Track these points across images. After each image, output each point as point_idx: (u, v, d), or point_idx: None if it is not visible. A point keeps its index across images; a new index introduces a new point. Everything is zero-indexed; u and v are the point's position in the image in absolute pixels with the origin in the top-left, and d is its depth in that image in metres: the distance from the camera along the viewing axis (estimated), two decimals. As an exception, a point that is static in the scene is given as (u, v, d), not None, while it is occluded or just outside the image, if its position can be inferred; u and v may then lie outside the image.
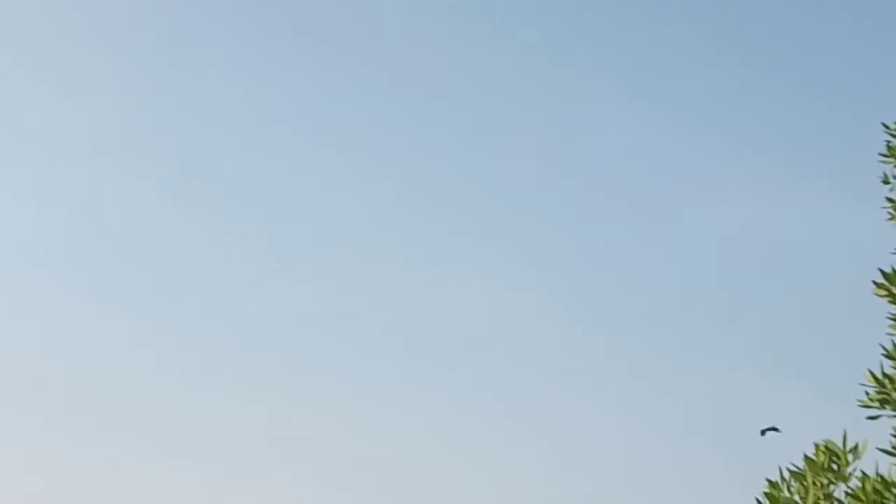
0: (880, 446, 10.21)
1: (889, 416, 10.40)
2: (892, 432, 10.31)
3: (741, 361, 29.99)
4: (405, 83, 35.64)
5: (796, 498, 10.17)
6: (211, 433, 31.08)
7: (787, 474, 10.32)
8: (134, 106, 36.21)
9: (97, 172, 36.25)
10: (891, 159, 11.82)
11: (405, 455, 30.23)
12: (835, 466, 10.16)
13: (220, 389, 32.04)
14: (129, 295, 34.25)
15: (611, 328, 33.22)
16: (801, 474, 10.19)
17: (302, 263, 35.20)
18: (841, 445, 10.18)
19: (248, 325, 33.90)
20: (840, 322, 27.53)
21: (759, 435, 13.08)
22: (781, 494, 10.18)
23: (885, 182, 11.77)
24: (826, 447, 10.18)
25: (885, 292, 10.70)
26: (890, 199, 11.61)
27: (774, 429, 12.93)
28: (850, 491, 10.03)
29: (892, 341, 10.55)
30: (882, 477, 9.88)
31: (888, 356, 10.48)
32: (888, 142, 11.89)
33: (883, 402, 10.35)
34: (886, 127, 11.88)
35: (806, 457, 10.25)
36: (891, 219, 11.54)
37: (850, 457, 10.14)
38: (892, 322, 10.67)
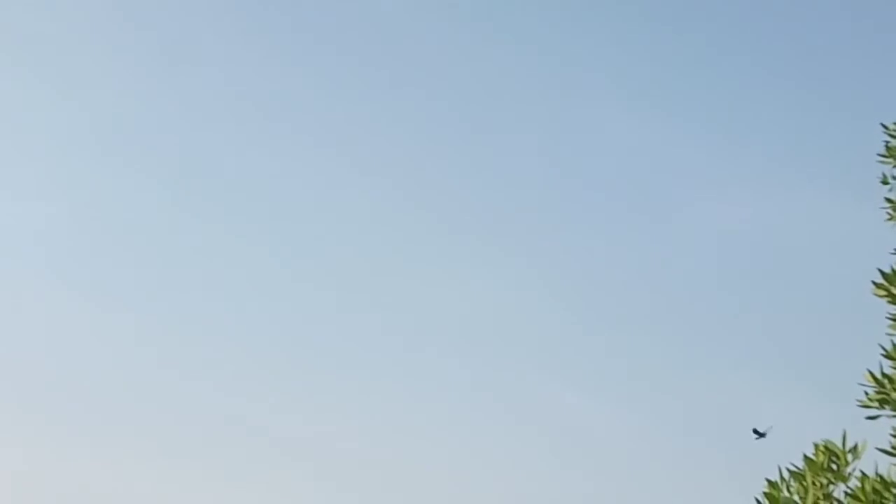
0: (879, 446, 10.21)
1: (888, 416, 10.40)
2: (892, 432, 10.31)
3: (741, 361, 30.04)
4: (405, 83, 35.69)
5: (796, 498, 10.17)
6: (211, 433, 31.13)
7: (786, 474, 10.32)
8: (134, 106, 36.28)
9: (97, 172, 36.32)
10: (889, 160, 11.83)
11: (405, 455, 30.27)
12: (834, 466, 10.15)
13: (220, 389, 32.08)
14: (129, 295, 34.31)
15: (611, 328, 33.28)
16: (801, 474, 10.19)
17: (302, 263, 35.25)
18: (840, 445, 10.18)
19: (248, 325, 33.95)
20: (839, 322, 27.57)
21: (754, 437, 13.10)
22: (781, 494, 10.18)
23: (884, 182, 11.78)
24: (826, 447, 10.18)
25: (884, 292, 10.70)
26: (889, 200, 11.61)
27: (760, 433, 12.95)
28: (849, 491, 10.03)
29: (892, 341, 10.56)
30: (881, 477, 9.88)
31: (887, 356, 10.48)
32: (887, 142, 11.89)
33: (882, 403, 10.34)
34: (885, 128, 11.88)
35: (805, 457, 10.25)
36: (890, 219, 11.54)
37: (849, 457, 10.14)
38: (891, 322, 10.67)
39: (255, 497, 29.25)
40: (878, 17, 31.97)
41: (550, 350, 32.56)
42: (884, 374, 10.41)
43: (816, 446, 10.24)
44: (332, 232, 35.45)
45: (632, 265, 34.00)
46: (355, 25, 35.48)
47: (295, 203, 36.17)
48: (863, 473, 9.98)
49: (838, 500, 10.08)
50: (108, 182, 35.98)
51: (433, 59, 36.03)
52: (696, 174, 34.57)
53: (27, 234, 35.03)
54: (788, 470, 10.28)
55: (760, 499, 10.28)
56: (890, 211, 11.59)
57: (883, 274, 10.75)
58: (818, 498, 10.02)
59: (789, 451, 10.59)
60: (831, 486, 10.13)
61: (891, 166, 11.83)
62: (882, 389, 10.33)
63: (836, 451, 10.13)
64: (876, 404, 10.38)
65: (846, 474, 10.09)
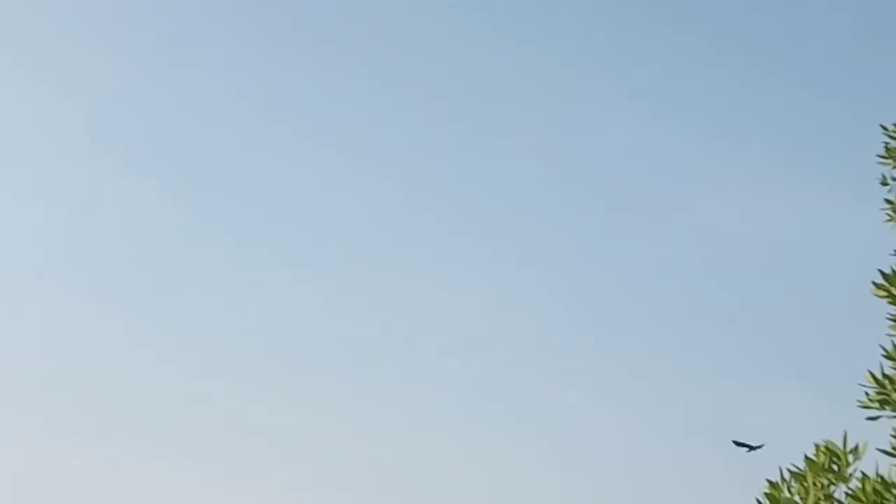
0: (880, 447, 10.24)
1: (889, 417, 10.43)
2: (892, 433, 10.33)
3: (741, 361, 30.03)
4: (405, 83, 35.68)
5: (796, 498, 10.19)
6: (211, 433, 31.13)
7: (787, 475, 10.34)
8: (134, 106, 36.27)
9: (97, 172, 36.30)
10: (889, 161, 11.85)
11: (405, 455, 30.27)
12: (835, 467, 10.18)
13: (220, 389, 32.08)
14: (129, 295, 34.30)
15: (611, 328, 33.27)
16: (802, 475, 10.21)
17: (302, 263, 35.24)
18: (841, 446, 10.21)
19: (247, 325, 33.94)
20: (839, 322, 27.58)
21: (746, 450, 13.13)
22: (782, 495, 10.20)
23: (884, 183, 11.80)
24: (826, 448, 10.20)
25: (884, 293, 10.72)
26: (889, 201, 11.64)
27: (746, 445, 12.97)
28: (850, 491, 10.05)
29: (892, 342, 10.58)
30: (882, 477, 9.90)
31: (888, 357, 10.51)
32: (886, 143, 11.91)
33: (883, 403, 10.37)
34: (885, 129, 11.91)
35: (806, 457, 10.27)
36: (889, 220, 11.56)
37: (850, 457, 10.17)
38: (891, 323, 10.70)
39: (255, 497, 29.27)
40: (879, 18, 31.99)
41: (550, 350, 32.58)
42: (884, 375, 10.43)
43: (817, 447, 10.26)
44: (332, 232, 35.46)
45: (632, 265, 34.00)
46: (355, 25, 35.50)
47: (295, 203, 36.18)
48: (863, 474, 10.01)
49: (839, 501, 10.11)
50: (108, 182, 35.99)
51: (433, 59, 36.04)
52: (696, 174, 34.58)
53: (27, 234, 35.03)
54: (789, 471, 10.31)
55: (761, 499, 10.31)
56: (890, 212, 11.61)
57: (883, 274, 10.77)
58: (819, 498, 10.05)
59: (789, 451, 10.62)
60: (832, 487, 10.15)
61: (890, 167, 11.85)
62: (883, 390, 10.35)
63: (837, 451, 10.15)
64: (877, 405, 10.41)
65: (847, 475, 10.12)
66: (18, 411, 30.68)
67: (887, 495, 9.75)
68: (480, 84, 35.44)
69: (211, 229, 35.71)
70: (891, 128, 11.88)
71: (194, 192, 36.40)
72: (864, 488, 9.86)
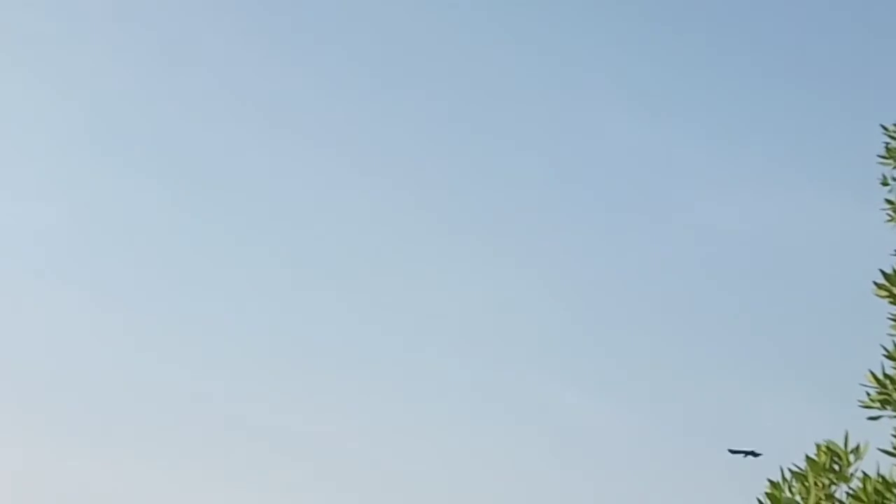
0: (881, 447, 10.24)
1: (890, 417, 10.43)
2: (893, 433, 10.34)
3: (741, 361, 30.04)
4: (405, 83, 35.69)
5: (798, 498, 10.19)
6: (211, 433, 31.13)
7: (788, 474, 10.34)
8: (134, 106, 36.27)
9: (97, 172, 36.29)
10: (889, 161, 11.85)
11: (405, 455, 30.28)
12: (836, 467, 10.18)
13: (220, 389, 32.09)
14: (129, 295, 34.30)
15: (611, 328, 33.28)
16: (803, 475, 10.21)
17: (302, 263, 35.24)
18: (842, 446, 10.21)
19: (247, 325, 33.94)
20: (839, 322, 27.60)
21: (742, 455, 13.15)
22: (783, 495, 10.21)
23: (884, 184, 11.80)
24: (828, 447, 10.20)
25: (885, 293, 10.73)
26: (889, 201, 11.64)
27: (742, 451, 12.99)
28: (851, 491, 10.06)
29: (893, 342, 10.59)
30: (883, 477, 9.91)
31: (889, 357, 10.51)
32: (886, 143, 11.91)
33: (884, 403, 10.38)
34: (885, 129, 11.91)
35: (807, 457, 10.26)
36: (890, 220, 11.56)
37: (851, 457, 10.17)
38: (892, 322, 10.70)
39: (255, 497, 29.27)
40: (879, 18, 32.00)
41: (550, 350, 32.58)
42: (885, 375, 10.44)
43: (818, 447, 10.26)
44: (332, 232, 35.46)
45: (632, 265, 34.00)
46: (355, 25, 35.50)
47: (295, 203, 36.18)
48: (864, 474, 10.01)
49: (840, 501, 10.11)
50: (108, 182, 35.98)
51: (433, 59, 36.04)
52: (696, 174, 34.57)
53: (27, 234, 35.02)
54: (790, 470, 10.31)
55: (762, 499, 10.31)
56: (890, 212, 11.61)
57: (885, 274, 10.77)
58: (820, 498, 10.05)
59: (789, 451, 10.63)
60: (833, 487, 10.15)
61: (891, 167, 11.85)
62: (884, 390, 10.36)
63: (839, 451, 10.15)
64: (878, 405, 10.42)
65: (848, 475, 10.12)
66: (18, 411, 30.71)
67: (888, 495, 9.76)
68: (480, 84, 35.46)
69: (211, 229, 35.73)
70: (891, 128, 11.88)
71: (194, 192, 36.42)
72: (865, 488, 9.87)
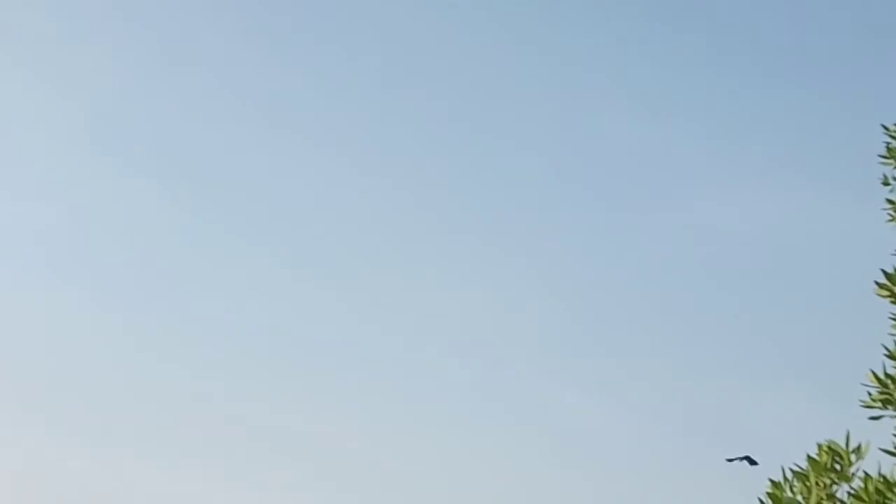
0: (882, 446, 10.24)
1: (891, 417, 10.44)
2: (895, 432, 10.34)
3: (741, 361, 30.06)
4: (405, 83, 35.69)
5: (799, 498, 10.19)
6: (211, 433, 31.13)
7: (789, 474, 10.34)
8: (134, 106, 36.27)
9: (97, 172, 36.30)
10: (890, 161, 11.84)
11: (405, 455, 30.28)
12: (838, 467, 10.18)
13: (220, 389, 32.09)
14: (129, 295, 34.30)
15: (611, 328, 33.29)
16: (804, 474, 10.21)
17: (302, 263, 35.25)
18: (844, 445, 10.21)
19: (248, 325, 33.94)
20: (839, 322, 27.62)
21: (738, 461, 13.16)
22: (784, 494, 10.20)
23: (885, 184, 11.80)
24: (829, 447, 10.20)
25: (887, 292, 10.73)
26: (890, 201, 11.63)
27: (740, 458, 13.00)
28: (852, 491, 10.06)
29: (895, 341, 10.59)
30: (885, 477, 9.91)
31: (890, 356, 10.51)
32: (887, 143, 11.90)
33: (885, 403, 10.38)
34: (886, 128, 11.90)
35: (809, 457, 10.26)
36: (891, 220, 11.56)
37: (852, 457, 10.17)
38: (894, 322, 10.70)
39: (255, 497, 29.27)
40: (879, 18, 32.01)
41: (550, 350, 32.59)
42: (887, 375, 10.44)
43: (820, 446, 10.25)
44: (332, 232, 35.47)
45: (632, 265, 34.02)
46: (355, 25, 35.51)
47: (295, 203, 36.19)
48: (866, 474, 10.01)
49: (841, 501, 10.11)
50: (108, 182, 35.99)
51: (433, 59, 36.05)
52: (696, 174, 34.58)
53: (27, 234, 35.03)
54: (792, 470, 10.31)
55: (763, 498, 10.31)
56: (891, 212, 11.60)
57: (886, 274, 10.77)
58: (821, 498, 10.05)
59: (789, 451, 10.63)
60: (834, 487, 10.15)
61: (892, 167, 11.85)
62: (885, 390, 10.36)
63: (840, 451, 10.15)
64: (879, 405, 10.42)
65: (850, 474, 10.12)
66: (18, 411, 30.71)
67: (889, 495, 9.75)
68: (480, 84, 35.47)
69: (211, 229, 35.74)
70: (892, 128, 11.87)
71: (194, 192, 36.43)
72: (866, 488, 9.86)
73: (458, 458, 30.22)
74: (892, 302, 10.73)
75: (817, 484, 10.12)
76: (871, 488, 9.84)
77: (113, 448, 30.42)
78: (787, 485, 10.29)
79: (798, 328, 30.09)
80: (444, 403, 31.83)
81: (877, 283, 10.82)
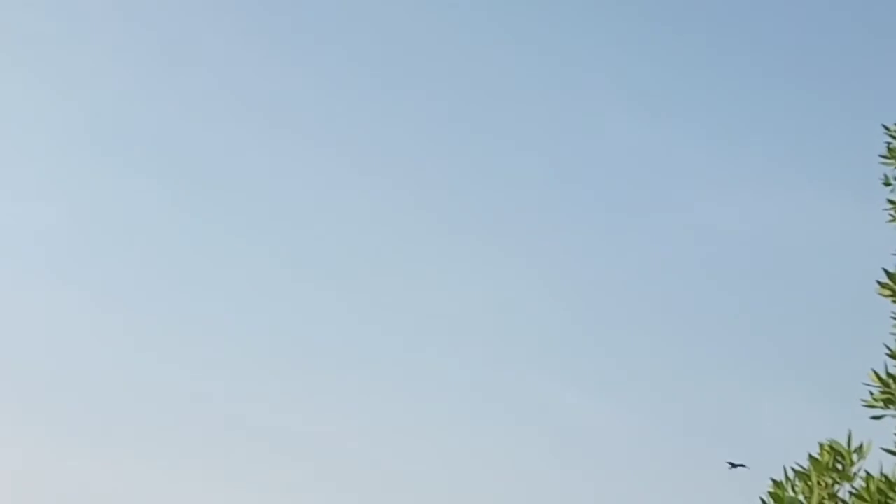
0: (884, 446, 10.25)
1: (893, 416, 10.44)
2: (896, 432, 10.35)
3: (741, 361, 30.08)
4: (405, 83, 35.70)
5: (801, 497, 10.20)
6: (211, 433, 31.15)
7: (791, 474, 10.34)
8: (134, 106, 36.28)
9: (97, 172, 36.31)
10: (891, 161, 11.84)
11: (405, 455, 30.29)
12: (839, 466, 10.18)
13: (220, 389, 32.10)
14: (129, 295, 34.32)
15: (611, 328, 33.31)
16: (806, 474, 10.21)
17: (302, 263, 35.26)
18: (845, 445, 10.22)
19: (248, 325, 33.96)
20: (839, 322, 27.63)
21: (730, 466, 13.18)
22: (786, 494, 10.21)
23: (886, 184, 11.80)
24: (830, 447, 10.20)
25: (889, 292, 10.73)
26: (891, 201, 11.63)
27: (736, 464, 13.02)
28: (854, 491, 10.06)
29: (897, 341, 10.60)
30: (886, 477, 9.91)
31: (892, 356, 10.51)
32: (888, 143, 11.91)
33: (887, 402, 10.38)
34: (886, 128, 11.90)
35: (810, 456, 10.27)
36: (891, 220, 11.56)
37: (854, 456, 10.17)
38: (895, 322, 10.71)
39: (255, 497, 29.28)
40: (879, 18, 32.03)
41: (550, 350, 32.61)
42: (888, 374, 10.45)
43: (821, 446, 10.26)
44: (332, 232, 35.49)
45: (632, 265, 34.04)
46: (355, 25, 35.53)
47: (295, 203, 36.20)
48: (867, 473, 10.01)
49: (843, 500, 10.11)
50: (108, 182, 36.00)
51: (433, 59, 36.07)
52: (696, 174, 34.60)
53: (27, 234, 35.04)
54: (793, 469, 10.31)
55: (765, 498, 10.31)
56: (892, 212, 11.60)
57: (888, 274, 10.77)
58: (823, 498, 10.05)
59: (789, 451, 10.64)
60: (836, 486, 10.16)
61: (892, 167, 11.85)
62: (887, 389, 10.36)
63: (842, 450, 10.15)
64: (881, 404, 10.42)
65: (851, 474, 10.12)
66: (18, 411, 30.72)
67: (891, 494, 9.76)
68: (480, 84, 35.48)
69: (211, 229, 35.75)
70: (892, 128, 11.87)
71: (194, 192, 36.44)
72: (868, 487, 9.87)
73: (458, 458, 30.24)
74: (894, 301, 10.74)
75: (819, 483, 10.13)
76: (872, 488, 9.84)
77: (113, 448, 30.45)
78: (789, 484, 10.29)
79: (798, 328, 30.11)
80: (444, 403, 31.86)
81: (878, 282, 10.82)
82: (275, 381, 32.29)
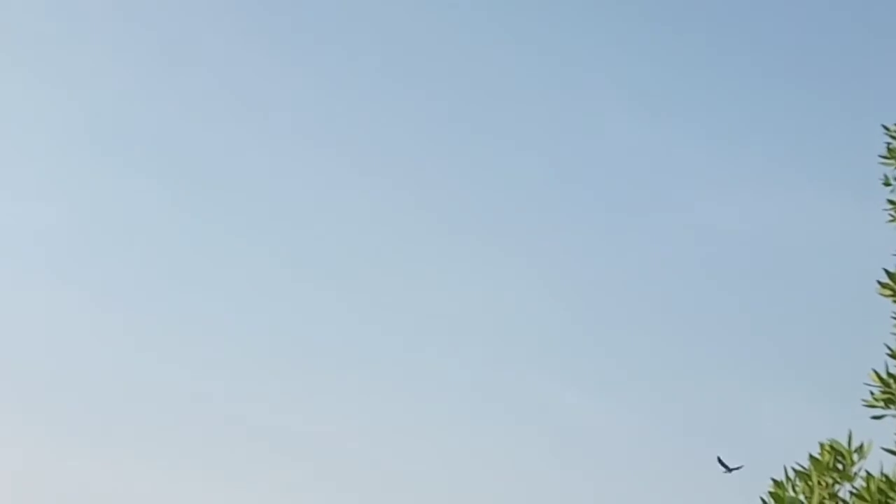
0: (884, 446, 10.26)
1: (893, 416, 10.44)
2: (897, 432, 10.36)
3: (741, 361, 30.10)
4: (405, 84, 35.72)
5: (801, 497, 10.20)
6: (211, 433, 31.15)
7: (792, 474, 10.35)
8: (134, 106, 36.29)
9: (97, 172, 36.32)
10: (891, 161, 11.85)
11: (405, 455, 30.30)
12: (840, 466, 10.19)
13: (220, 389, 32.11)
14: (129, 295, 34.33)
15: (611, 328, 33.32)
16: (807, 474, 10.22)
17: (302, 263, 35.27)
18: (846, 445, 10.22)
19: (248, 325, 33.97)
20: (840, 322, 27.65)
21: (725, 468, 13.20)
22: (786, 494, 10.22)
23: (886, 184, 11.81)
24: (831, 447, 10.21)
25: (889, 292, 10.74)
26: (891, 201, 11.64)
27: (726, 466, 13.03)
28: (854, 490, 10.07)
29: (897, 340, 10.60)
30: (887, 476, 9.92)
31: (893, 356, 10.52)
32: (888, 143, 11.91)
33: (888, 402, 10.38)
34: (886, 129, 11.91)
35: (811, 456, 10.28)
36: (892, 220, 11.57)
37: (854, 456, 10.18)
38: (896, 321, 10.73)
39: (255, 497, 29.29)
40: (879, 18, 32.05)
41: (550, 350, 32.62)
42: (889, 374, 10.45)
43: (822, 446, 10.27)
44: (332, 232, 35.51)
45: (632, 265, 34.06)
46: (355, 25, 35.54)
47: (295, 203, 36.22)
48: (868, 473, 10.02)
49: (843, 500, 10.12)
50: (108, 182, 36.02)
51: (433, 59, 36.08)
52: (696, 174, 34.62)
53: (27, 234, 35.05)
54: (794, 469, 10.32)
55: (766, 498, 10.32)
56: (892, 212, 11.61)
57: (889, 274, 10.78)
58: (824, 497, 10.06)
59: (788, 450, 10.65)
60: (837, 486, 10.17)
61: (892, 168, 11.85)
62: (888, 389, 10.37)
63: (842, 450, 10.16)
64: (881, 404, 10.43)
65: (852, 474, 10.13)
66: (18, 411, 30.73)
67: (892, 494, 9.76)
68: (480, 84, 35.50)
69: (211, 229, 35.76)
70: (892, 128, 11.88)
71: (194, 192, 36.46)
72: (868, 487, 9.88)
73: (458, 458, 30.25)
74: (895, 301, 10.74)
75: (819, 483, 10.13)
76: (873, 487, 9.85)
77: (113, 448, 30.46)
78: (790, 484, 10.30)
79: (798, 328, 30.12)
80: (444, 403, 31.87)
81: (879, 282, 10.83)
82: (275, 381, 32.32)
